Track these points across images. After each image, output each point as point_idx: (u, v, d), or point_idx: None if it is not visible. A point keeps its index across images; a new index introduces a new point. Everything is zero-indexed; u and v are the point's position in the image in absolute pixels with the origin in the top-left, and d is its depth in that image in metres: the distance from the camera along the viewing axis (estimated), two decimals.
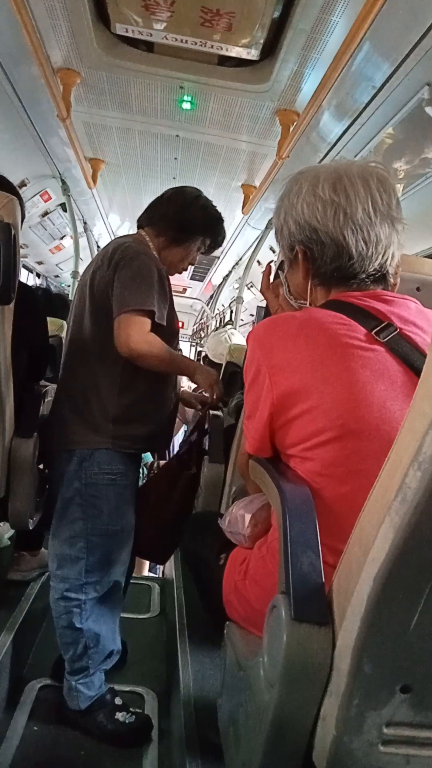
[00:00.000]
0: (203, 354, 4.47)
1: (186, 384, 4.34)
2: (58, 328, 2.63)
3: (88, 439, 1.67)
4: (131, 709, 1.76)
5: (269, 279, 1.32)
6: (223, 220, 1.91)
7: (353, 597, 0.67)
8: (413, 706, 0.70)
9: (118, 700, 1.75)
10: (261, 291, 1.35)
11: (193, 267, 6.24)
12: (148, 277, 1.65)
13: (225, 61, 2.24)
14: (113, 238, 1.89)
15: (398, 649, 0.68)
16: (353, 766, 0.71)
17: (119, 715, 1.72)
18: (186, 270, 1.97)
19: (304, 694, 0.72)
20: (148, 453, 2.89)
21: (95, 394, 1.68)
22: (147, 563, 3.58)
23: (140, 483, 2.88)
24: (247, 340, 1.06)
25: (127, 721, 1.71)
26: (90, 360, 1.70)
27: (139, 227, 1.89)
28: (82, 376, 1.71)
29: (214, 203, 1.89)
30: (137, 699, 1.93)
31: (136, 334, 1.59)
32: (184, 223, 1.82)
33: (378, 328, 0.95)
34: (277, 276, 1.25)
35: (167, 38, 2.08)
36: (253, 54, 2.11)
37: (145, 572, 3.58)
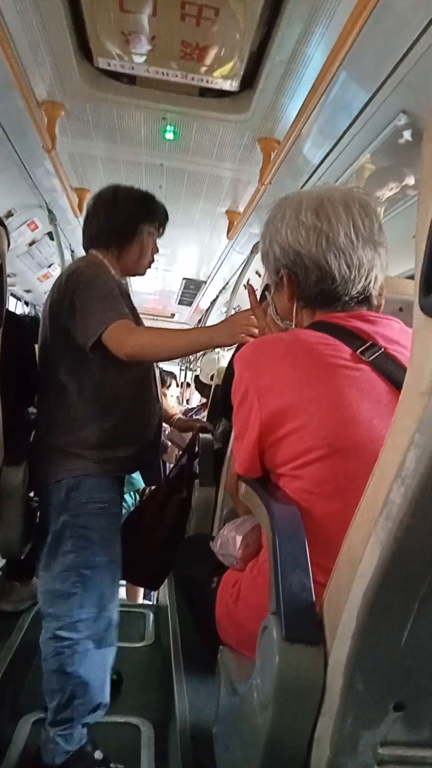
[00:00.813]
0: (196, 374, 4.50)
1: (178, 409, 4.36)
2: None
3: (74, 466, 1.63)
4: (112, 765, 1.64)
5: (256, 297, 1.34)
6: (152, 195, 1.85)
7: (343, 614, 0.67)
8: (407, 725, 0.70)
9: (98, 755, 1.64)
10: (251, 308, 1.36)
11: (180, 293, 6.34)
12: (110, 292, 1.61)
13: (206, 92, 2.29)
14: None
15: (390, 666, 0.68)
16: None
17: None
18: (152, 262, 1.89)
19: (298, 714, 0.72)
20: (140, 479, 2.87)
21: (75, 423, 1.65)
22: (142, 590, 3.54)
23: (132, 509, 2.86)
24: (234, 363, 1.07)
25: None
26: (64, 390, 1.66)
27: (87, 250, 1.83)
28: (59, 407, 1.67)
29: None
30: (133, 730, 1.89)
31: (124, 337, 1.51)
32: (119, 223, 1.75)
33: (363, 347, 0.97)
34: (263, 297, 1.27)
35: (149, 71, 2.13)
36: (233, 85, 2.16)
37: (140, 600, 3.54)
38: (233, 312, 5.27)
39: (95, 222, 1.77)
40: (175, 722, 1.56)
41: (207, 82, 2.14)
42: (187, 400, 7.64)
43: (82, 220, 1.85)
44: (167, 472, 2.61)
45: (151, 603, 3.33)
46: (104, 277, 1.66)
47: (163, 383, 4.21)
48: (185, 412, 4.50)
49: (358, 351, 0.96)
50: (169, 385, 4.57)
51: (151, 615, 2.80)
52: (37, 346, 1.82)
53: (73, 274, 1.64)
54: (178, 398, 6.16)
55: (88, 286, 1.59)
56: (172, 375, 4.61)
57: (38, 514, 1.82)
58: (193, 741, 1.45)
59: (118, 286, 1.68)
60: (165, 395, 4.24)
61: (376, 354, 0.96)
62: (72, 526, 1.61)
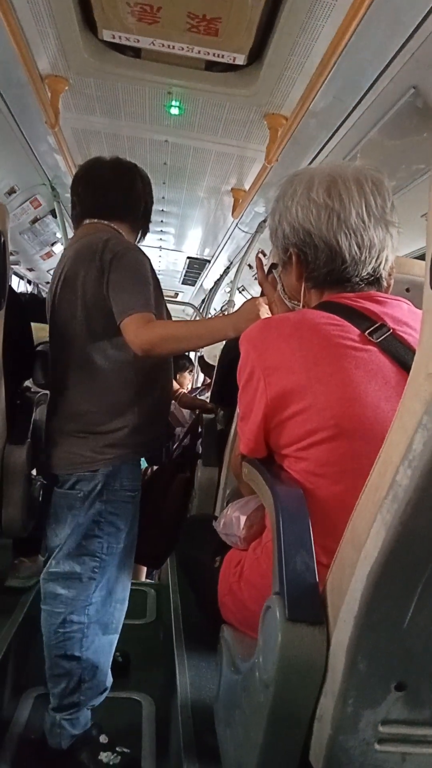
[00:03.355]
0: (199, 355, 4.48)
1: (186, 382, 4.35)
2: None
3: (111, 454, 1.58)
4: (117, 749, 1.62)
5: (263, 270, 1.32)
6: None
7: (347, 595, 0.68)
8: (408, 704, 0.70)
9: (103, 738, 1.63)
10: (259, 282, 1.34)
11: (184, 272, 6.30)
12: (144, 275, 1.56)
13: (212, 66, 2.25)
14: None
15: (392, 647, 0.68)
16: (350, 765, 0.71)
17: (103, 756, 1.59)
18: None
19: (300, 693, 0.72)
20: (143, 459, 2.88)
21: (113, 408, 1.59)
22: (145, 569, 3.57)
23: None
24: (240, 343, 1.06)
25: (111, 763, 1.59)
26: (98, 373, 1.59)
27: (99, 219, 1.72)
28: (92, 392, 1.60)
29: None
30: (135, 706, 1.92)
31: (140, 330, 1.46)
32: (149, 200, 1.79)
33: (371, 328, 0.96)
34: (270, 272, 1.25)
35: (154, 44, 2.08)
36: (240, 59, 2.11)
37: (143, 578, 3.57)
38: (237, 292, 5.24)
39: (141, 202, 1.75)
40: (176, 698, 1.58)
41: (214, 55, 2.09)
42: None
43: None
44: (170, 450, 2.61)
45: (152, 581, 3.36)
46: (138, 253, 1.61)
47: (183, 368, 4.21)
48: (189, 391, 4.50)
49: (367, 332, 0.95)
50: (191, 370, 4.54)
51: (153, 592, 2.83)
52: (34, 326, 1.80)
53: (107, 244, 1.57)
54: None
55: (123, 256, 1.55)
56: (189, 360, 4.55)
57: (42, 494, 1.80)
58: (194, 717, 1.47)
59: (149, 261, 1.63)
60: (183, 383, 4.23)
61: (385, 335, 0.95)
62: (104, 514, 1.58)
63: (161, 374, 1.68)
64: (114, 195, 1.72)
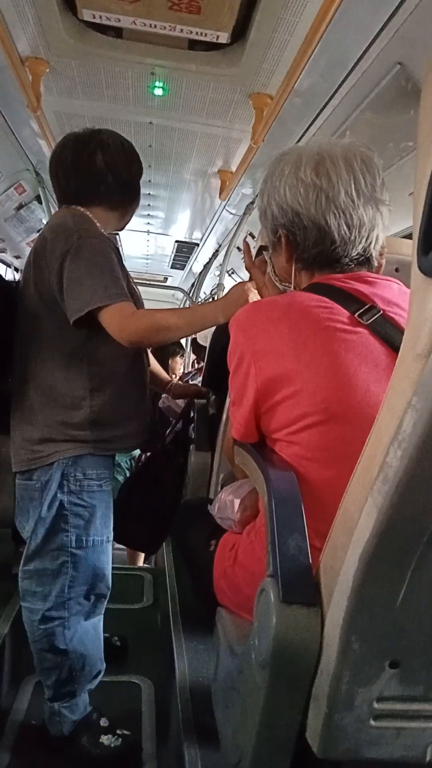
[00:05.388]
0: (192, 337, 4.44)
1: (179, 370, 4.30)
2: None
3: (67, 447, 1.53)
4: (118, 731, 1.63)
5: (251, 255, 1.31)
6: (134, 149, 1.68)
7: (339, 577, 0.68)
8: (402, 681, 0.71)
9: (104, 722, 1.64)
10: (246, 268, 1.33)
11: (172, 256, 6.25)
12: (109, 263, 1.48)
13: (195, 45, 2.21)
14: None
15: (385, 626, 0.69)
16: (345, 742, 0.72)
17: (104, 739, 1.60)
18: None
19: (295, 674, 0.73)
20: None
21: (65, 401, 1.53)
22: (142, 555, 3.59)
23: (128, 475, 2.85)
24: (229, 327, 1.05)
25: (112, 745, 1.59)
26: (52, 366, 1.54)
27: (68, 204, 1.63)
28: (46, 385, 1.54)
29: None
30: (134, 688, 1.94)
31: (126, 322, 1.43)
32: (134, 178, 1.65)
33: (361, 310, 0.95)
34: (259, 253, 1.24)
35: (136, 23, 2.04)
36: (223, 37, 2.08)
37: (140, 563, 3.59)
38: (226, 275, 5.21)
39: (108, 175, 1.58)
40: (175, 681, 1.60)
41: (196, 33, 2.06)
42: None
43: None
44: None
45: (149, 566, 3.39)
46: (104, 243, 1.51)
47: (174, 354, 4.13)
48: (181, 377, 4.47)
49: (356, 314, 0.95)
50: (182, 355, 4.45)
51: (150, 577, 2.85)
52: None
53: (63, 233, 1.49)
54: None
55: (83, 252, 1.45)
56: (180, 345, 4.42)
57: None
58: (192, 698, 1.49)
59: (114, 249, 1.54)
60: (175, 368, 4.17)
61: (375, 317, 0.95)
62: (66, 505, 1.53)
63: (118, 369, 1.58)
64: (74, 179, 1.60)
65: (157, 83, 2.49)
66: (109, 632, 1.83)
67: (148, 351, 1.78)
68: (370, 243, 1.02)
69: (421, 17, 1.55)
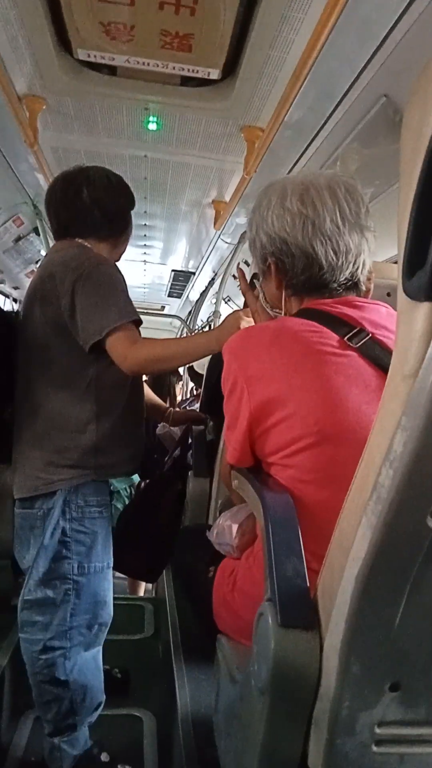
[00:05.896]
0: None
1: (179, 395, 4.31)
2: None
3: (71, 474, 1.54)
4: (119, 766, 1.62)
5: (246, 280, 1.34)
6: (124, 183, 1.74)
7: (337, 598, 0.68)
8: (403, 704, 0.71)
9: (105, 756, 1.61)
10: (242, 292, 1.35)
11: (169, 285, 6.31)
12: (117, 285, 1.53)
13: (187, 81, 2.28)
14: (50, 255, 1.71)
15: (384, 648, 0.68)
16: None
17: None
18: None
19: (295, 699, 0.72)
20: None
21: (71, 426, 1.55)
22: (143, 585, 3.54)
23: (127, 503, 2.83)
24: (222, 353, 1.07)
25: None
26: (57, 393, 1.56)
27: (65, 237, 1.69)
28: (53, 411, 1.56)
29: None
30: (135, 721, 1.90)
31: (128, 351, 1.46)
32: (121, 210, 1.70)
33: (350, 333, 0.97)
34: (253, 284, 1.26)
35: (129, 61, 2.11)
36: (214, 73, 2.14)
37: (141, 593, 3.54)
38: (222, 302, 5.26)
39: (94, 209, 1.64)
40: (176, 713, 1.57)
41: (188, 70, 2.12)
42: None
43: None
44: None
45: (150, 596, 3.34)
46: (114, 267, 1.56)
47: (174, 383, 4.18)
48: (179, 404, 4.47)
49: (346, 337, 0.96)
50: (180, 378, 4.49)
51: (151, 607, 2.82)
52: None
53: (73, 260, 1.53)
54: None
55: (97, 276, 1.50)
56: (178, 375, 4.49)
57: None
58: (195, 730, 1.46)
59: (120, 273, 1.58)
60: (176, 395, 4.20)
61: (364, 340, 0.96)
62: (68, 532, 1.53)
63: (121, 394, 1.61)
64: (63, 214, 1.68)
65: (151, 118, 2.55)
66: (110, 664, 1.80)
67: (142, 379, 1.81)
68: (357, 268, 1.05)
69: (406, 50, 1.60)
